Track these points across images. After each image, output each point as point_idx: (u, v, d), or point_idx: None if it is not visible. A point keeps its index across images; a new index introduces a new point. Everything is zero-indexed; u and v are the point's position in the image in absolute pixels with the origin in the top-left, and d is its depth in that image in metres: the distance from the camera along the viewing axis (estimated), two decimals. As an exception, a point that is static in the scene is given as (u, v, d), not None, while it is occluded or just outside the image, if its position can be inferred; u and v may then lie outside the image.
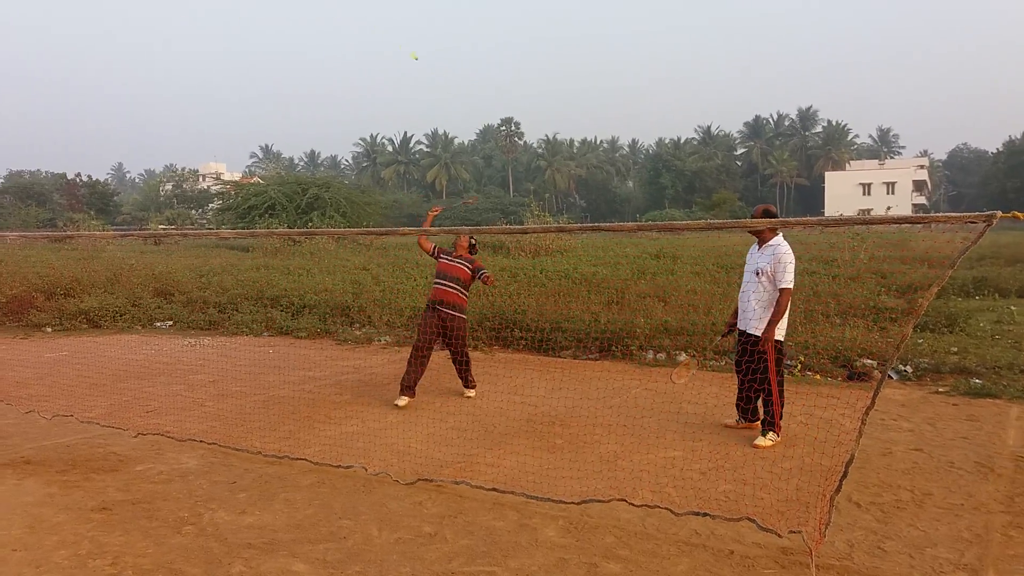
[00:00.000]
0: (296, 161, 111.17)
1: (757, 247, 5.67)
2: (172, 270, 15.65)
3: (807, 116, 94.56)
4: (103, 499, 4.64)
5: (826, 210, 75.08)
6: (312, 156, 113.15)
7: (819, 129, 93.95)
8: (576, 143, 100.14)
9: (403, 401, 6.79)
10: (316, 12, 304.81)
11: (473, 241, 7.22)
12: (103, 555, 3.83)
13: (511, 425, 6.17)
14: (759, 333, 5.50)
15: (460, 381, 7.27)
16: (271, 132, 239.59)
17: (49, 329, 12.19)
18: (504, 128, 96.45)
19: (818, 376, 7.82)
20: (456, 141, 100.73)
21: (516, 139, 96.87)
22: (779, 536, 3.79)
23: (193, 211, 61.52)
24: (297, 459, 5.30)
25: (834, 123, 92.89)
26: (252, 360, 9.12)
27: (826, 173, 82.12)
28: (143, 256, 19.88)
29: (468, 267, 6.97)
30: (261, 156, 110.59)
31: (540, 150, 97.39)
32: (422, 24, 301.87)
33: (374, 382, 7.97)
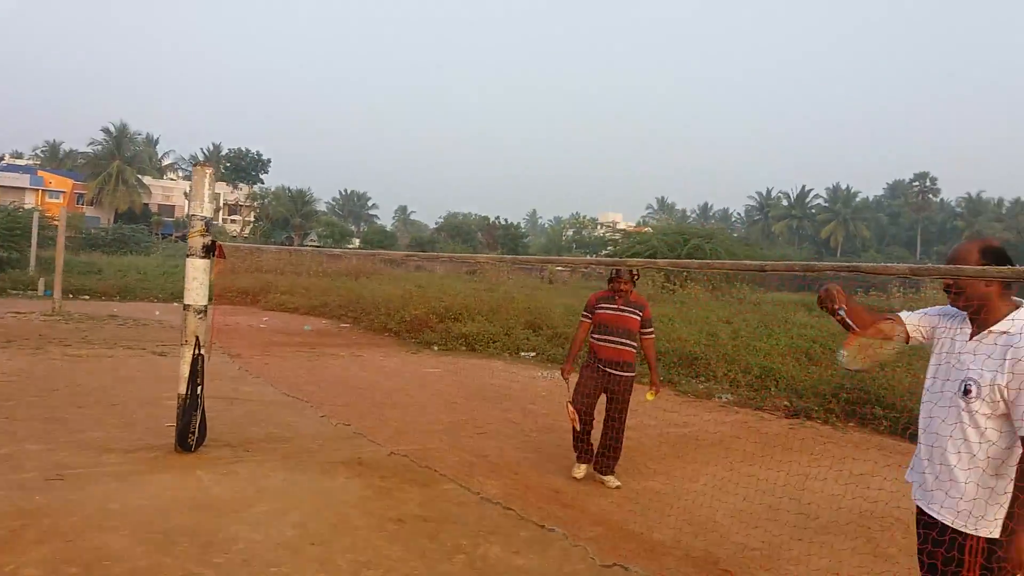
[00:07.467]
0: (688, 213, 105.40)
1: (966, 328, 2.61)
2: (547, 306, 16.31)
3: None
4: (401, 511, 4.81)
5: None
6: (704, 208, 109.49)
7: None
8: (1007, 203, 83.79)
9: (580, 471, 5.94)
10: (705, 82, 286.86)
11: (636, 273, 6.12)
12: (377, 567, 3.95)
13: (837, 517, 5.36)
14: (973, 531, 2.49)
15: (596, 464, 5.87)
16: (667, 185, 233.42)
17: (436, 348, 13.57)
18: (917, 184, 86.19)
19: None
20: (859, 196, 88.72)
21: (930, 196, 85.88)
22: None
23: (588, 256, 64.00)
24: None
25: None
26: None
27: None
28: (534, 291, 20.82)
29: (638, 315, 5.98)
30: (656, 207, 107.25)
31: (959, 209, 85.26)
32: (838, 67, 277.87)
33: (701, 440, 7.52)
